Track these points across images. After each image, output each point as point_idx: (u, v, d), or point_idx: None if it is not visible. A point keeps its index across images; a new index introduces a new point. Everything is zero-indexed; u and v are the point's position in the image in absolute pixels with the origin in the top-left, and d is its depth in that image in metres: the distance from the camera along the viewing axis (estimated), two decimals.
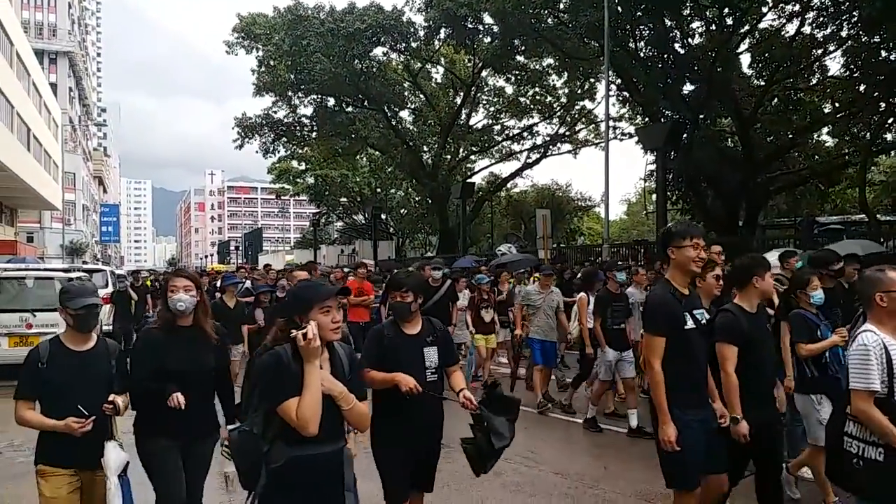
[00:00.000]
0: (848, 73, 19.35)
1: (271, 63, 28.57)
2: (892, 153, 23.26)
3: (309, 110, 31.73)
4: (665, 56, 20.09)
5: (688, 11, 19.36)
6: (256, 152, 32.92)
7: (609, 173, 16.97)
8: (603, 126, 22.39)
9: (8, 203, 37.23)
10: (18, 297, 11.30)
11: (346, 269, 16.80)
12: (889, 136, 20.36)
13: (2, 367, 10.55)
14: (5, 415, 8.58)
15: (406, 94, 31.84)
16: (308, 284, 2.87)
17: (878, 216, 20.75)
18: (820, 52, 19.51)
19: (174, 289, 3.60)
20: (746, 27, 19.44)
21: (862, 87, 18.91)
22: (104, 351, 3.49)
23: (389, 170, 38.77)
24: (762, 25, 20.19)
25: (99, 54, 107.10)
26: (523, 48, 25.23)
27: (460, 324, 9.78)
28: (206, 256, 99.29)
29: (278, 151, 34.50)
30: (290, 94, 30.13)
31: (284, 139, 32.99)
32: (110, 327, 13.71)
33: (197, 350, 3.63)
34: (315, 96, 30.25)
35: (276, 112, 31.55)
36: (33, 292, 11.52)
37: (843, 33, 18.36)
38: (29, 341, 10.97)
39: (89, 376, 3.36)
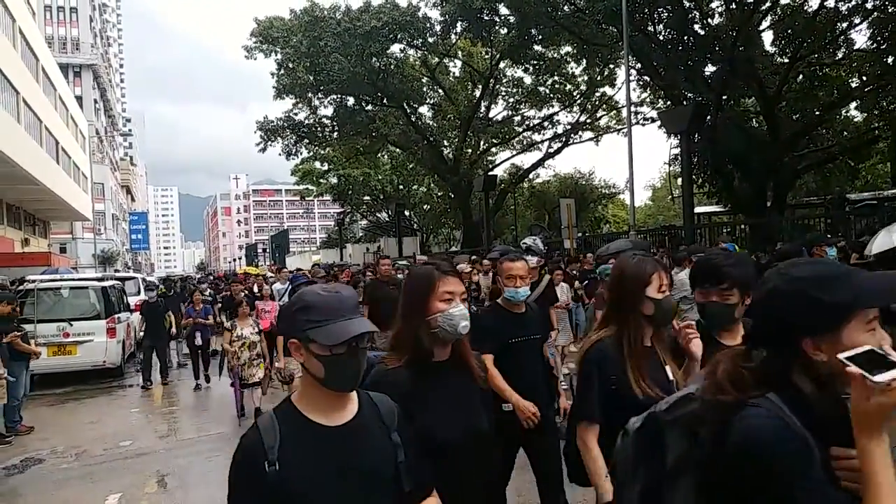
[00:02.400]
0: (875, 45, 18.86)
1: (290, 65, 28.72)
2: None
3: (329, 111, 31.89)
4: (685, 38, 19.79)
5: None
6: (279, 155, 33.16)
7: (633, 159, 16.76)
8: (624, 112, 22.16)
9: (41, 216, 38.04)
10: (55, 307, 11.57)
11: (398, 264, 14.95)
12: None
13: (44, 376, 10.85)
14: (47, 422, 8.83)
15: (424, 89, 31.80)
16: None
17: None
18: (845, 25, 19.05)
19: (449, 297, 2.19)
20: (767, 4, 19.02)
21: (890, 59, 18.44)
22: (374, 420, 1.77)
23: (411, 166, 38.79)
24: (784, 1, 19.78)
25: (121, 65, 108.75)
26: (540, 37, 25.03)
27: (561, 325, 8.49)
28: (235, 260, 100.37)
29: (301, 153, 34.69)
30: (309, 95, 30.28)
31: (306, 140, 33.15)
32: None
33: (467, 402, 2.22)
34: (335, 96, 30.36)
35: (296, 114, 31.75)
36: (69, 302, 11.79)
37: (869, 4, 17.91)
38: (67, 350, 11.23)
39: (358, 476, 1.66)
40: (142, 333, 12.45)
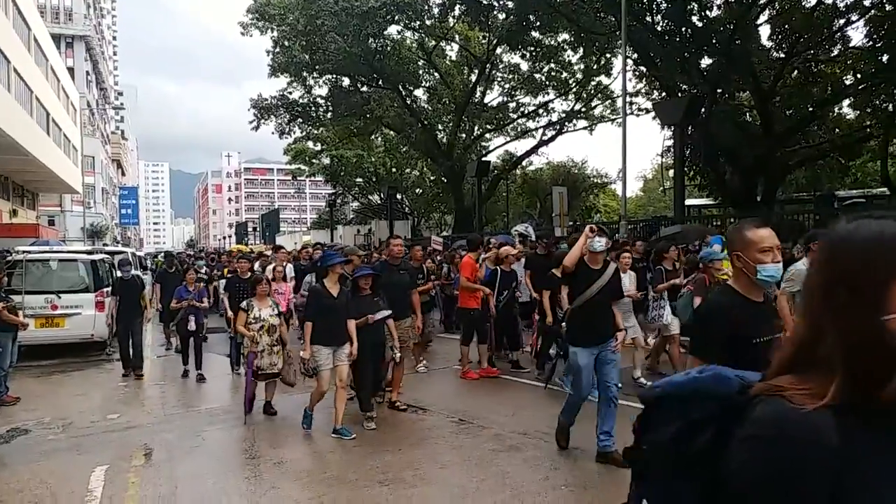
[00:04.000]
0: (870, 43, 18.93)
1: (286, 44, 28.47)
2: None
3: (324, 90, 31.71)
4: (682, 29, 19.78)
5: None
6: (272, 133, 32.99)
7: (626, 149, 16.80)
8: (619, 102, 22.16)
9: (29, 187, 37.68)
10: (44, 279, 11.54)
11: (458, 243, 14.50)
12: None
13: (31, 348, 10.83)
14: (35, 393, 8.83)
15: (420, 72, 31.65)
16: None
17: None
18: (842, 21, 19.09)
19: None
20: None
21: (885, 58, 18.51)
22: None
23: (404, 149, 38.68)
24: None
25: (115, 38, 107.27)
26: (538, 24, 24.93)
27: (629, 319, 7.94)
28: (224, 238, 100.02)
29: (294, 132, 34.47)
30: (304, 74, 30.07)
31: (300, 120, 32.96)
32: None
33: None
34: (330, 76, 30.16)
35: (291, 93, 31.56)
36: (57, 274, 11.74)
37: (867, 2, 17.95)
38: (55, 322, 11.22)
39: None
40: (114, 315, 10.50)
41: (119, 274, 10.41)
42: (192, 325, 9.67)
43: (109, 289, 11.53)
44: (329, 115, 32.59)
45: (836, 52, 20.58)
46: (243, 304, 7.33)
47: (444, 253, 15.63)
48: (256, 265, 11.89)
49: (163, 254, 18.08)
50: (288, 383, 7.24)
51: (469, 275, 9.22)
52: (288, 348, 7.35)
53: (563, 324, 5.91)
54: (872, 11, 18.01)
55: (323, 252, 9.36)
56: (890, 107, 19.54)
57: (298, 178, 56.12)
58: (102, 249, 18.96)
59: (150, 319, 11.38)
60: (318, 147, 41.94)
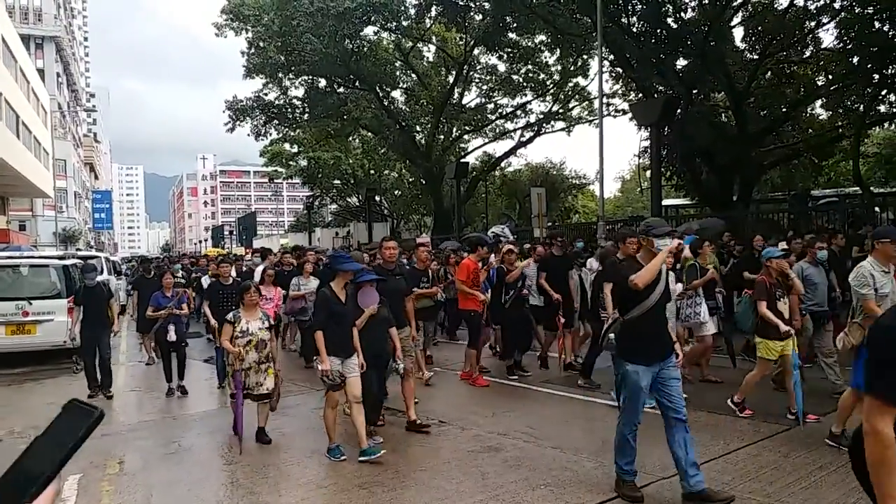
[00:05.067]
0: (841, 45, 19.25)
1: (261, 45, 28.26)
2: (886, 125, 23.24)
3: (300, 92, 31.51)
4: (658, 31, 19.95)
5: None
6: (248, 135, 32.71)
7: (603, 150, 16.88)
8: (596, 103, 22.27)
9: None
10: (14, 285, 11.30)
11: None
12: (882, 108, 20.35)
13: (2, 356, 10.58)
14: (5, 402, 8.61)
15: (398, 73, 31.60)
16: None
17: (871, 189, 20.80)
18: (813, 24, 19.40)
19: None
20: (739, 0, 19.32)
21: (855, 59, 18.83)
22: None
23: (382, 151, 38.56)
24: None
25: (86, 38, 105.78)
26: (515, 25, 25.03)
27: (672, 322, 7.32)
28: (201, 241, 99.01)
29: (270, 134, 34.20)
30: (280, 75, 29.86)
31: (276, 121, 32.71)
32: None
33: None
34: (306, 77, 29.99)
35: (266, 94, 31.32)
36: (28, 280, 11.51)
37: (837, 5, 18.24)
38: (26, 329, 10.98)
39: None
40: (77, 327, 9.10)
41: (84, 281, 9.19)
42: (171, 336, 8.76)
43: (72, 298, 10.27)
44: (305, 116, 32.40)
45: (808, 54, 20.91)
46: (229, 315, 6.46)
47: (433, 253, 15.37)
48: (232, 271, 10.73)
49: (139, 258, 16.83)
50: (270, 407, 6.48)
51: (466, 278, 8.59)
52: (277, 366, 6.53)
53: (611, 335, 4.80)
54: (842, 14, 18.31)
55: (333, 254, 8.38)
56: (861, 107, 19.87)
57: (275, 181, 55.72)
58: (75, 254, 18.67)
59: (118, 332, 9.97)
60: (295, 149, 41.70)
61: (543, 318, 9.36)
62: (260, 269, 10.65)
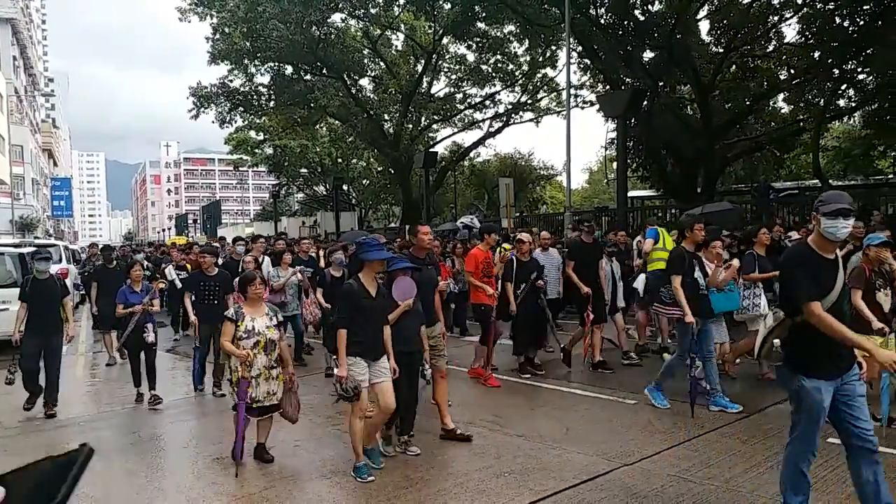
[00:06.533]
0: (803, 39, 19.64)
1: (226, 30, 27.70)
2: (845, 119, 23.80)
3: (266, 79, 30.97)
4: (625, 23, 20.10)
5: None
6: (213, 122, 32.06)
7: (570, 141, 16.99)
8: (564, 94, 22.36)
9: None
10: None
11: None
12: (842, 103, 20.82)
13: None
14: None
15: (366, 61, 31.27)
16: None
17: (829, 182, 21.28)
18: (776, 18, 19.76)
19: None
20: None
21: (817, 54, 19.23)
22: None
23: (350, 139, 38.22)
24: None
25: (44, 21, 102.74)
26: (484, 14, 24.97)
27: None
28: (164, 230, 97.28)
29: (235, 121, 33.54)
30: (246, 62, 29.29)
31: (241, 109, 32.11)
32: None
33: None
34: (272, 64, 29.47)
35: (232, 81, 30.72)
36: None
37: (799, 0, 18.58)
38: None
39: None
40: (20, 331, 7.22)
41: (33, 272, 7.44)
42: (150, 337, 7.59)
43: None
44: (272, 103, 31.90)
45: (771, 48, 21.28)
46: (229, 311, 5.49)
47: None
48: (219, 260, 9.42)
49: (102, 247, 14.82)
50: (288, 418, 5.48)
51: (474, 269, 7.80)
52: (290, 370, 5.56)
53: (776, 340, 3.88)
54: (805, 9, 18.65)
55: (360, 240, 6.64)
56: (821, 101, 20.31)
57: (241, 169, 54.90)
58: (33, 243, 18.16)
59: (72, 340, 8.18)
60: (261, 136, 41.10)
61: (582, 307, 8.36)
62: (249, 257, 9.67)
